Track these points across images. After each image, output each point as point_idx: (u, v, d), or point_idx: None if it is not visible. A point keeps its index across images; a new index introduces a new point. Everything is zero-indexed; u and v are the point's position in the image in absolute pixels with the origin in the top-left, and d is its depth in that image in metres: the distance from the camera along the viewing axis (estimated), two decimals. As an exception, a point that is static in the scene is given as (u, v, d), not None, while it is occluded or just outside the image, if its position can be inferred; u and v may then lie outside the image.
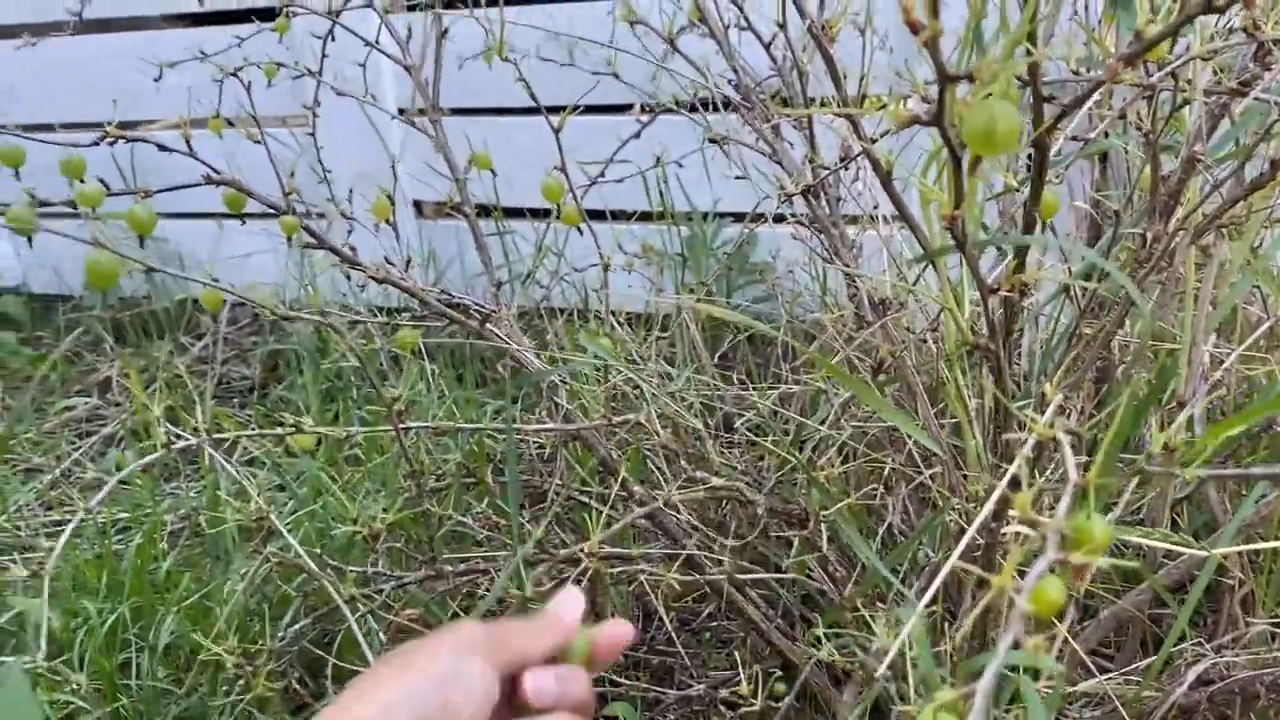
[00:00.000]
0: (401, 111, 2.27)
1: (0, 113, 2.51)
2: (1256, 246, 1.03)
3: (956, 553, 0.53)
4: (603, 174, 1.61)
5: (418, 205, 2.41)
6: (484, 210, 2.28)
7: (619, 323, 1.83)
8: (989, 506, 0.55)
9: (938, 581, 0.52)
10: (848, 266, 0.92)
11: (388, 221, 1.02)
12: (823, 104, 1.06)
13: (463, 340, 1.80)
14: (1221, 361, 0.95)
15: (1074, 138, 0.76)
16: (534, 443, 1.21)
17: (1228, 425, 0.54)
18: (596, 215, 2.05)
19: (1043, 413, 0.56)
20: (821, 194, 1.18)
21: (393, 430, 0.87)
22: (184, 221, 2.56)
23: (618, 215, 2.06)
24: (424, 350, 1.99)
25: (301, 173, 1.71)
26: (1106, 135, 0.77)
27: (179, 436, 0.83)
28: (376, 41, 1.21)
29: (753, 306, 2.05)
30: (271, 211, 1.02)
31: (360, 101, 1.31)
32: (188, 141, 0.87)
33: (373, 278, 0.96)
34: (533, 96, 1.11)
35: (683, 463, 0.94)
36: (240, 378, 2.40)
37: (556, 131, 1.02)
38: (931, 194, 0.51)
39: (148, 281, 2.56)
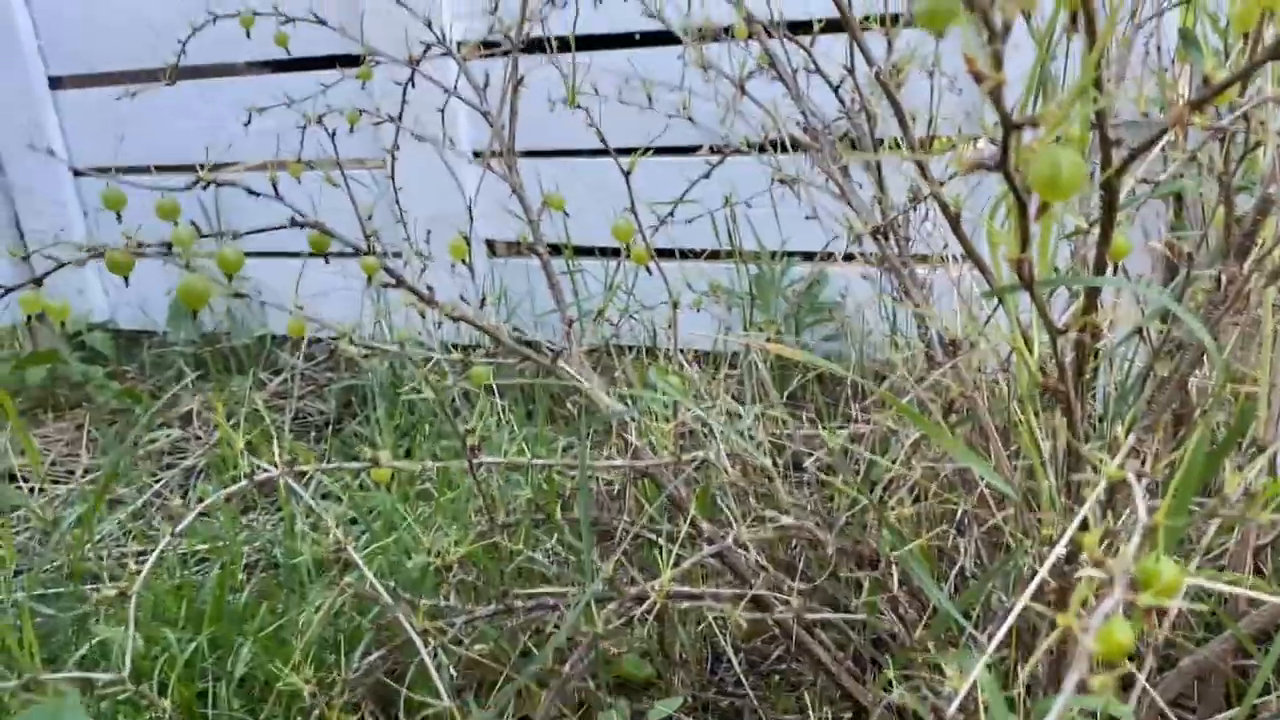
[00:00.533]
0: (477, 155, 2.32)
1: (106, 158, 2.62)
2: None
3: (1026, 595, 0.53)
4: (672, 214, 1.64)
5: (490, 245, 2.45)
6: (554, 249, 2.32)
7: (687, 361, 1.85)
8: (1059, 549, 0.55)
9: (1007, 624, 0.52)
10: (917, 306, 0.92)
11: (464, 261, 1.04)
12: (892, 146, 1.06)
13: (532, 379, 1.82)
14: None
15: (1145, 180, 0.76)
16: (602, 479, 1.22)
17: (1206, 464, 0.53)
18: (665, 254, 2.07)
19: (1115, 455, 0.55)
20: (890, 234, 1.19)
21: (466, 465, 0.88)
22: (264, 260, 2.63)
23: (687, 254, 2.08)
24: (495, 388, 2.03)
25: (380, 214, 1.75)
26: (1180, 177, 0.77)
27: (259, 469, 0.85)
28: (455, 88, 1.24)
29: (822, 346, 2.05)
30: (350, 251, 1.05)
31: (437, 146, 1.34)
32: (274, 185, 0.90)
33: (449, 315, 0.98)
34: (603, 140, 1.13)
35: (751, 501, 0.95)
36: (316, 413, 2.45)
37: (627, 174, 1.04)
38: (999, 238, 0.51)
39: (228, 318, 2.63)
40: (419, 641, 0.85)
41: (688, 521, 0.88)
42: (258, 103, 1.46)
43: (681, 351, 1.94)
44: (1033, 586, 0.54)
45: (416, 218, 2.23)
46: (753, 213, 1.86)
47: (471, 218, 2.18)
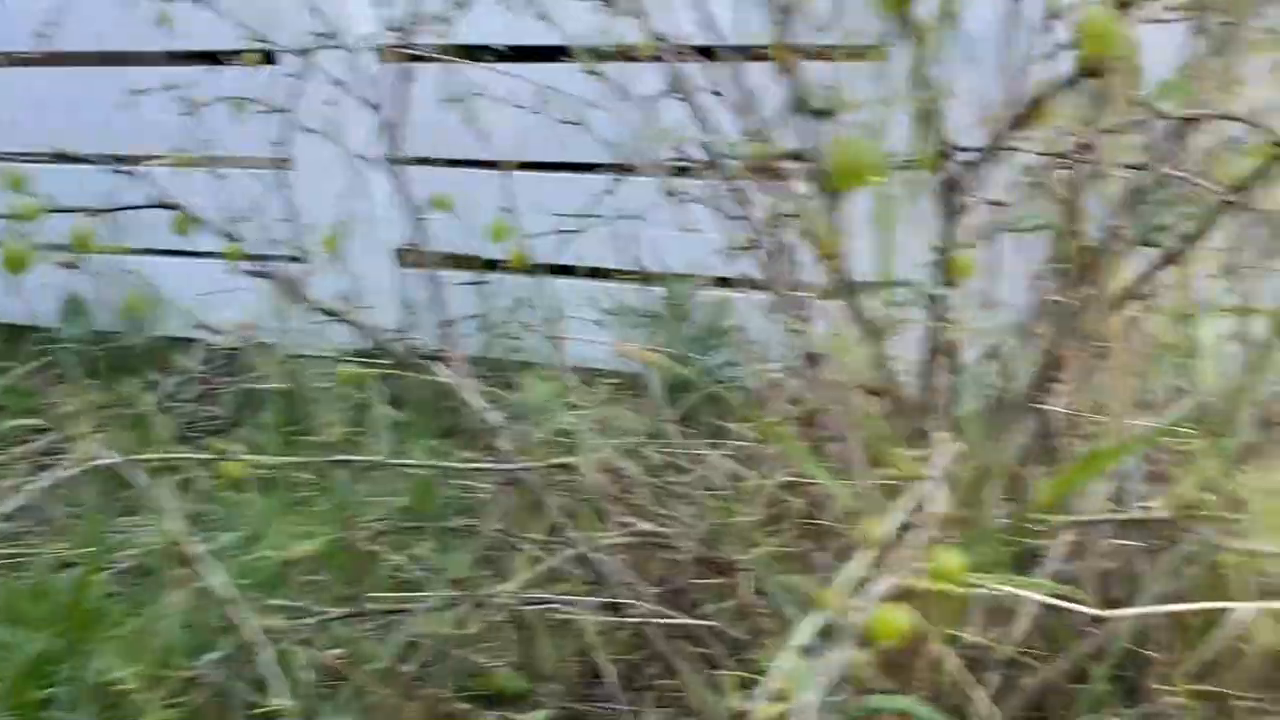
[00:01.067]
0: (395, 161, 2.31)
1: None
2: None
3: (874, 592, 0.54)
4: (582, 230, 1.64)
5: (400, 253, 2.43)
6: (463, 260, 2.31)
7: (586, 379, 1.84)
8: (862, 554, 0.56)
9: (818, 621, 0.53)
10: (785, 323, 0.93)
11: (336, 257, 1.03)
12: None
13: (423, 387, 1.81)
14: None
15: (991, 201, 0.78)
16: (480, 488, 1.22)
17: (1072, 477, 0.55)
18: (568, 271, 2.08)
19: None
20: (780, 256, 1.20)
21: (321, 463, 0.87)
22: (162, 258, 2.57)
23: (594, 272, 2.09)
24: (397, 399, 2.00)
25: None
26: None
27: (99, 456, 0.83)
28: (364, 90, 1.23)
29: (725, 369, 2.06)
30: (245, 254, 1.04)
31: (345, 148, 1.33)
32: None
33: (319, 309, 0.97)
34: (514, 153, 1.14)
35: (615, 509, 0.95)
36: (211, 417, 2.40)
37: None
38: (822, 236, 0.52)
39: (123, 318, 2.57)
40: (260, 640, 0.84)
41: (548, 529, 0.88)
42: (155, 95, 1.44)
43: (582, 369, 1.94)
44: (840, 581, 0.55)
45: (326, 221, 2.21)
46: (666, 236, 1.88)
47: (384, 223, 2.17)
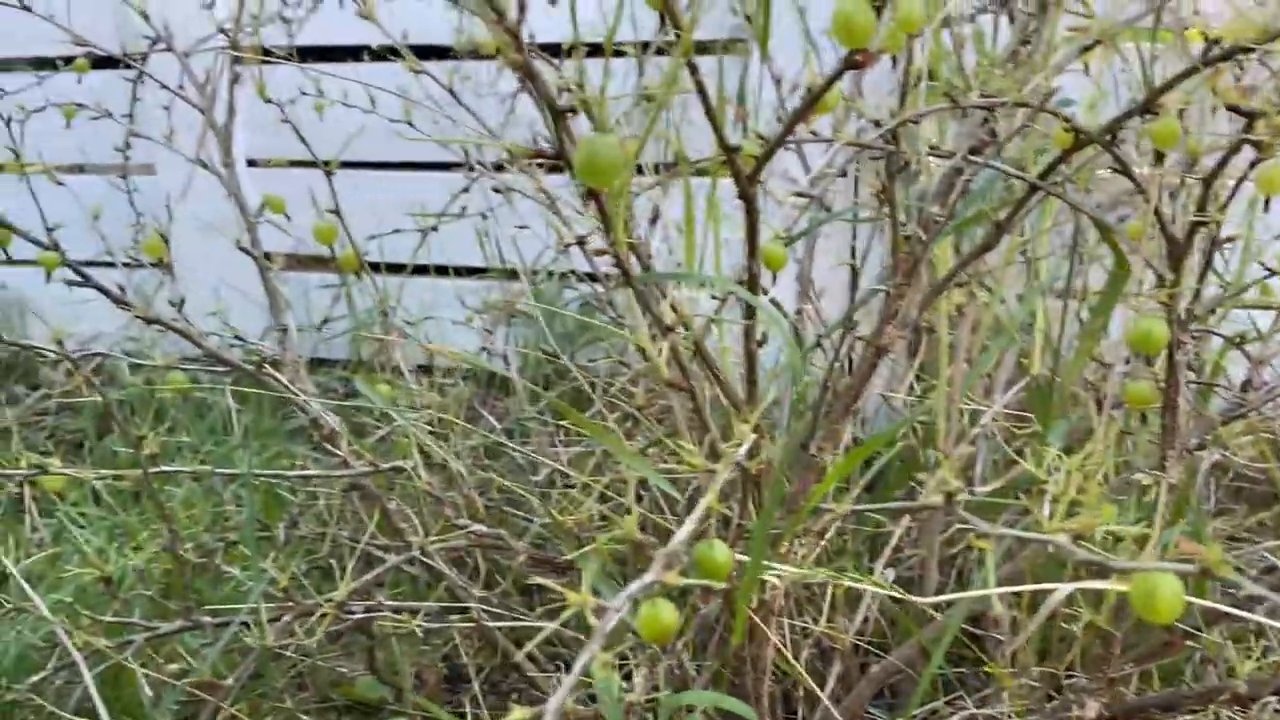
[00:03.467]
0: (252, 163, 2.25)
1: None
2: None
3: (627, 592, 0.53)
4: (435, 228, 1.62)
5: (268, 256, 2.37)
6: (324, 260, 2.26)
7: (457, 378, 1.82)
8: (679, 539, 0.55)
9: (610, 624, 0.52)
10: (620, 321, 0.93)
11: (161, 261, 1.00)
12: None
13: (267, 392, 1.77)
14: (978, 417, 0.98)
15: (799, 194, 0.78)
16: (325, 494, 1.19)
17: (851, 459, 0.55)
18: (440, 270, 2.05)
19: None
20: (634, 253, 1.20)
21: (142, 476, 0.84)
22: (25, 269, 2.48)
23: (461, 271, 2.07)
24: (259, 403, 1.96)
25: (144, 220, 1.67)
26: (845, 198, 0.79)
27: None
28: (224, 90, 1.18)
29: (594, 365, 2.06)
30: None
31: (180, 153, 1.29)
32: None
33: (140, 317, 0.94)
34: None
35: (447, 510, 0.93)
36: (76, 430, 2.32)
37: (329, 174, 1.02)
38: (608, 231, 0.52)
39: (-13, 329, 2.47)
40: (78, 657, 0.81)
41: (368, 533, 0.86)
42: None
43: (441, 372, 1.92)
44: (640, 583, 0.54)
45: (186, 226, 2.15)
46: (529, 234, 1.87)
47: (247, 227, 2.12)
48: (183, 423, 1.91)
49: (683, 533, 0.44)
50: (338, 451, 0.95)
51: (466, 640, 1.29)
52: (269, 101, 1.06)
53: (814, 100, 0.54)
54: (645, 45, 1.49)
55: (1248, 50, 0.53)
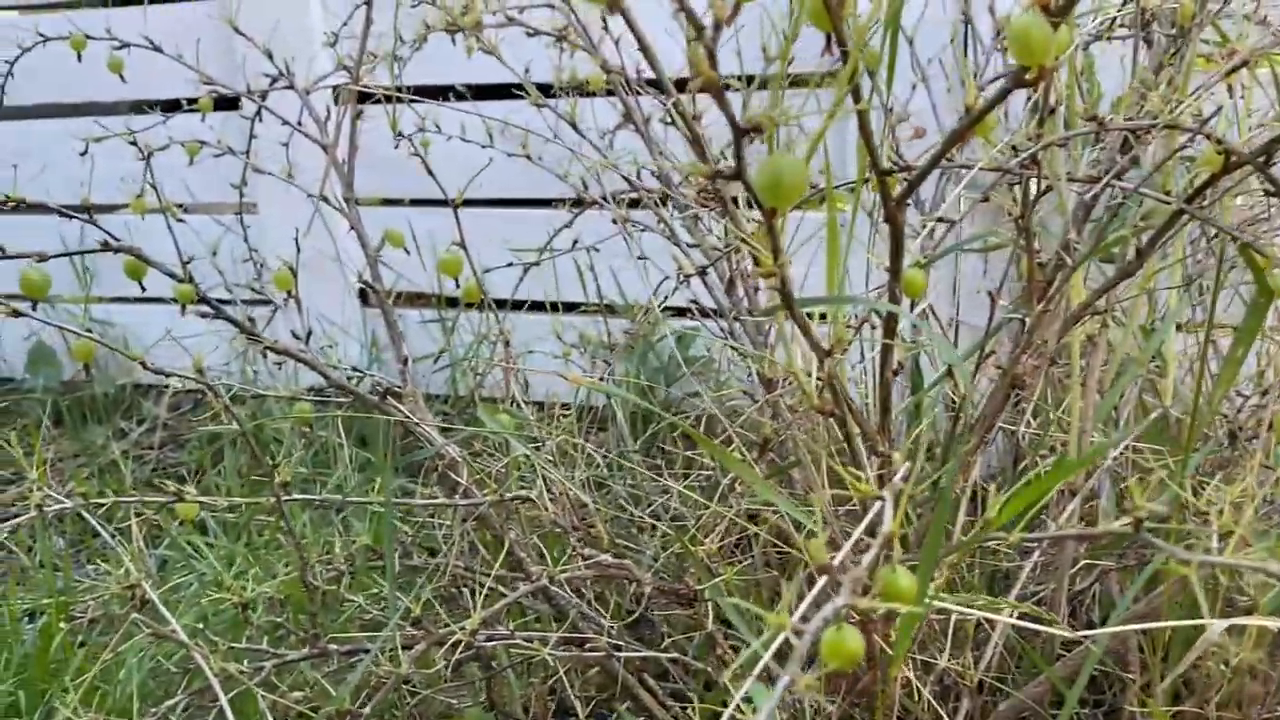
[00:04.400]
0: (340, 200, 2.30)
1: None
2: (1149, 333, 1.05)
3: (823, 614, 0.52)
4: (538, 262, 1.64)
5: (363, 293, 2.42)
6: (427, 298, 2.30)
7: (554, 413, 1.83)
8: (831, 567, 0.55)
9: (777, 642, 0.51)
10: (740, 350, 0.92)
11: (290, 294, 1.02)
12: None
13: (385, 423, 1.79)
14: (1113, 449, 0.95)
15: (940, 219, 0.78)
16: (439, 523, 1.20)
17: (1027, 495, 0.54)
18: (537, 306, 2.07)
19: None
20: (738, 283, 1.20)
21: (275, 503, 0.85)
22: (130, 306, 2.56)
23: (558, 307, 2.08)
24: (361, 438, 1.99)
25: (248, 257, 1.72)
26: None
27: (51, 499, 0.81)
28: (326, 126, 1.22)
29: (690, 399, 2.06)
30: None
31: (301, 189, 1.32)
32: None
33: (271, 348, 0.96)
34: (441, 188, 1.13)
35: (573, 540, 0.93)
36: (179, 463, 2.38)
37: (456, 208, 1.03)
38: (762, 257, 0.52)
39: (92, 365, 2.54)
40: (216, 684, 0.82)
41: (501, 560, 0.87)
42: (117, 142, 1.42)
43: (544, 405, 1.93)
44: (804, 607, 0.54)
45: (288, 262, 2.20)
46: (625, 267, 1.88)
47: (341, 262, 2.17)
48: (288, 454, 1.94)
49: (868, 557, 0.43)
50: (460, 480, 0.96)
51: (571, 673, 1.28)
52: (400, 135, 1.08)
53: (975, 120, 0.54)
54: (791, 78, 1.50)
55: None
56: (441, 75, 1.44)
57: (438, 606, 1.11)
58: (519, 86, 1.37)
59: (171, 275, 0.93)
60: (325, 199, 1.14)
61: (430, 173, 1.10)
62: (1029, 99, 0.86)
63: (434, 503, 0.92)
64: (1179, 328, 1.24)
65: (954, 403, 0.88)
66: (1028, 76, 0.48)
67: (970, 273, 1.16)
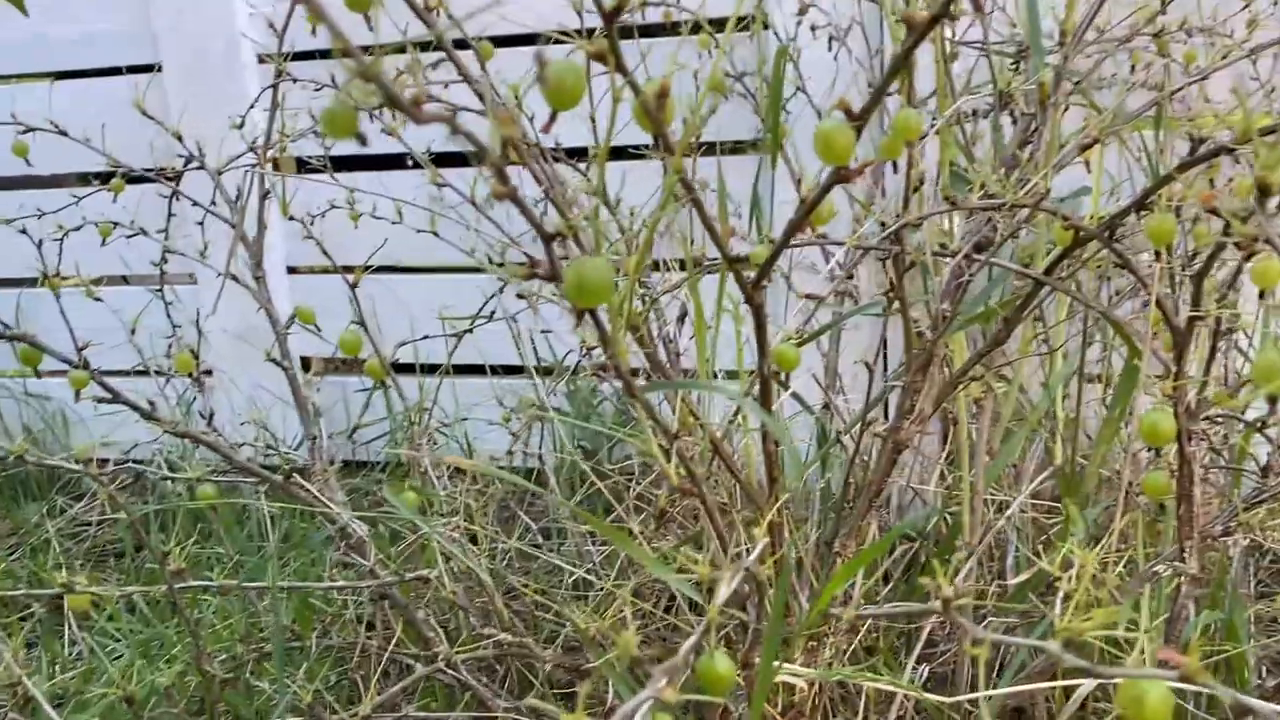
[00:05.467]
0: (291, 270, 2.30)
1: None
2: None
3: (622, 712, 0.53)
4: (470, 329, 1.65)
5: (304, 361, 2.42)
6: (362, 363, 2.30)
7: (476, 480, 1.83)
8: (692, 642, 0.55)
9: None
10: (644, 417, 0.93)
11: (192, 376, 1.02)
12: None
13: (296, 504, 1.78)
14: (1005, 508, 0.97)
15: (809, 295, 0.80)
16: (355, 602, 1.20)
17: (851, 567, 0.55)
18: (475, 369, 2.08)
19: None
20: (664, 347, 1.22)
21: (169, 590, 0.85)
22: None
23: (497, 370, 2.09)
24: (296, 509, 1.98)
25: (185, 330, 1.71)
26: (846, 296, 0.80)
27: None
28: (257, 201, 1.23)
29: (629, 463, 2.07)
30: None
31: (213, 267, 1.33)
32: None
33: (169, 431, 0.96)
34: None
35: (471, 619, 0.93)
36: (116, 539, 2.35)
37: (352, 287, 1.04)
38: (618, 343, 0.53)
39: (29, 440, 2.52)
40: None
41: (397, 643, 0.87)
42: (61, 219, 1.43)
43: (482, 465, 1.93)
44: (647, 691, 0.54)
45: (224, 334, 2.20)
46: (564, 333, 1.90)
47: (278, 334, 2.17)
48: (221, 529, 1.93)
49: (686, 646, 0.44)
50: (364, 561, 0.96)
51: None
52: (291, 219, 1.09)
53: (807, 213, 0.56)
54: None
55: (1230, 150, 0.54)
56: (368, 147, 1.47)
57: (341, 689, 1.10)
58: (445, 155, 1.39)
59: (67, 361, 0.93)
60: (234, 277, 1.14)
61: (324, 252, 1.11)
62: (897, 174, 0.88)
63: (333, 585, 0.92)
64: (1088, 380, 1.27)
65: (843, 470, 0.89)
66: (842, 174, 0.50)
67: (868, 338, 1.18)
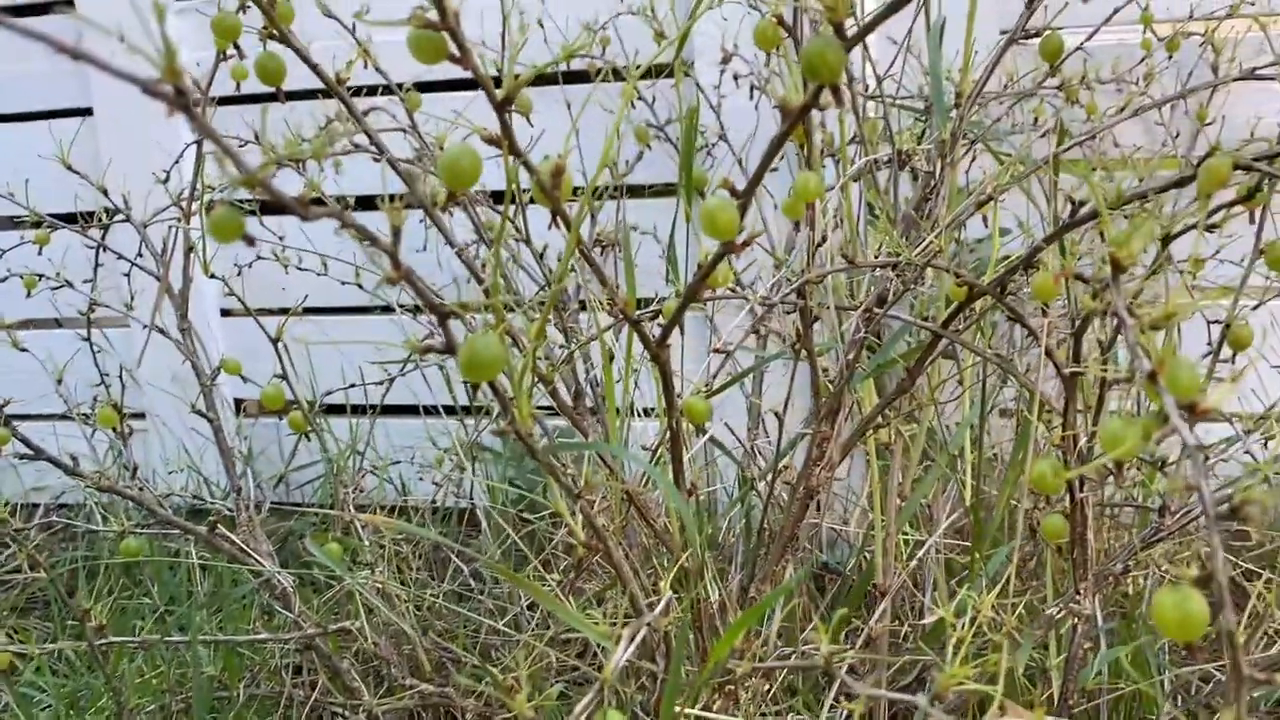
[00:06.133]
0: (226, 313, 2.29)
1: None
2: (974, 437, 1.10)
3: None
4: (403, 371, 1.65)
5: (238, 404, 2.40)
6: (331, 409, 2.29)
7: (427, 519, 1.83)
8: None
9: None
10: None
11: (115, 430, 1.02)
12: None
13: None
14: (919, 545, 1.00)
15: (717, 349, 0.82)
16: (283, 650, 1.20)
17: (742, 622, 0.58)
18: (409, 410, 2.08)
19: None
20: (590, 390, 1.24)
21: (88, 646, 0.85)
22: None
23: (431, 410, 2.09)
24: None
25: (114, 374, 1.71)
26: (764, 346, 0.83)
27: None
28: (138, 254, 1.24)
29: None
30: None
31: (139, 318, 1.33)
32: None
33: (95, 486, 0.96)
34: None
35: (393, 669, 0.94)
36: (46, 588, 2.31)
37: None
38: (522, 405, 0.55)
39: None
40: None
41: (324, 692, 0.87)
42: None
43: (418, 509, 1.94)
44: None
45: (160, 377, 2.18)
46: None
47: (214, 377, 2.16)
48: (150, 578, 1.90)
49: (581, 706, 0.46)
50: (287, 613, 0.96)
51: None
52: (212, 276, 1.10)
53: (702, 279, 0.58)
54: (595, 192, 1.56)
55: (1095, 217, 0.57)
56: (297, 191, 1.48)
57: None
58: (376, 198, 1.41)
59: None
60: (160, 329, 1.15)
61: (243, 304, 1.12)
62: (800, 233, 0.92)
63: (255, 638, 0.92)
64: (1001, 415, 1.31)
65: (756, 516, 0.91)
66: (730, 247, 0.53)
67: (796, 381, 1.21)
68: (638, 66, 0.71)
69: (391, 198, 0.42)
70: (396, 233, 0.40)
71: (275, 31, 0.62)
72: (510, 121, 0.47)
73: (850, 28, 0.42)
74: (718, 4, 0.75)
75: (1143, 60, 1.27)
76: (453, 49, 0.42)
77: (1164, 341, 0.74)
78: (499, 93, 0.46)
